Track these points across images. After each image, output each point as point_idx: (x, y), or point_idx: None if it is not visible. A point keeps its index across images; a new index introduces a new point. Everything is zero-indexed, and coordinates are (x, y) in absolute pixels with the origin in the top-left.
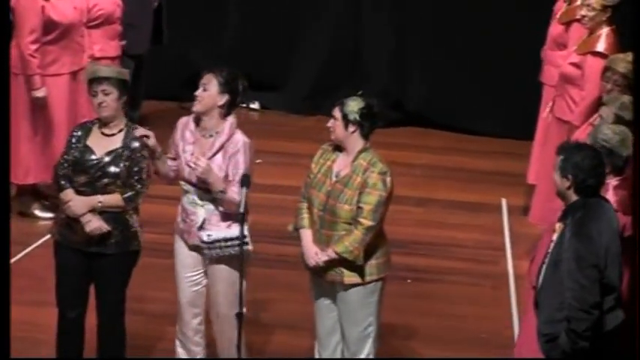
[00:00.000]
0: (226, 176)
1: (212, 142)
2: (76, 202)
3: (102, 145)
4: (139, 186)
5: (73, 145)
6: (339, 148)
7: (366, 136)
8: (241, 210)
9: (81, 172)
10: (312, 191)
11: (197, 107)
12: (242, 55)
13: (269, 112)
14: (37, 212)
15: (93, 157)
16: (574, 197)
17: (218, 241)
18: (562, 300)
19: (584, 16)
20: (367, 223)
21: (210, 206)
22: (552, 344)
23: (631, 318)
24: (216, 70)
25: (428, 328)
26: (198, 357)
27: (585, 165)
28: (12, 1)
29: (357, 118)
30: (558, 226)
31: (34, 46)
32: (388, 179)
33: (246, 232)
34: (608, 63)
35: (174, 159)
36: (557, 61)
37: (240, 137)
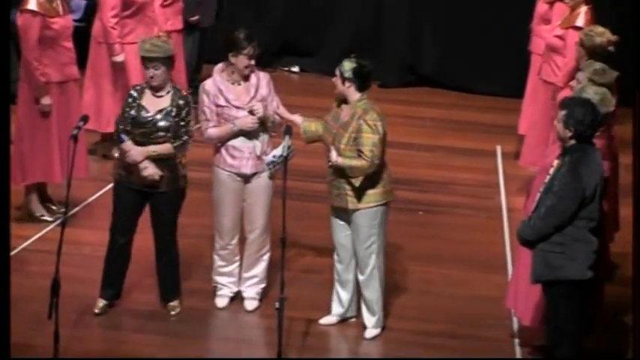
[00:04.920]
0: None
1: (247, 85)
2: (134, 152)
3: (154, 104)
4: (185, 137)
5: (131, 104)
6: (344, 101)
7: (360, 89)
8: (284, 154)
9: (137, 126)
10: (326, 134)
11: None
12: (284, 27)
13: (307, 75)
14: (117, 155)
15: (147, 114)
16: (572, 142)
17: (275, 158)
18: None
19: None
20: (368, 160)
21: (264, 136)
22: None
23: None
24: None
25: (435, 251)
26: (235, 265)
27: (586, 120)
28: None
29: (351, 75)
30: (556, 162)
31: (114, 20)
32: (379, 124)
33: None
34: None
35: (217, 115)
36: (543, 33)
37: (259, 71)
